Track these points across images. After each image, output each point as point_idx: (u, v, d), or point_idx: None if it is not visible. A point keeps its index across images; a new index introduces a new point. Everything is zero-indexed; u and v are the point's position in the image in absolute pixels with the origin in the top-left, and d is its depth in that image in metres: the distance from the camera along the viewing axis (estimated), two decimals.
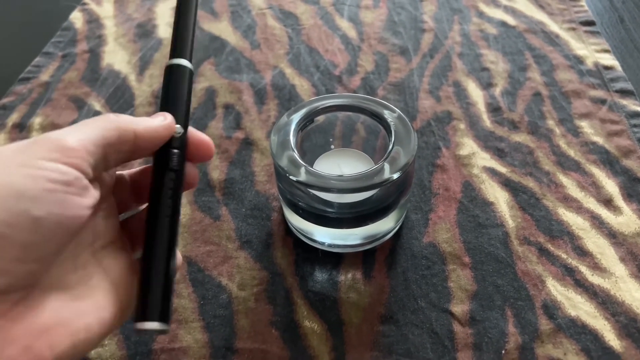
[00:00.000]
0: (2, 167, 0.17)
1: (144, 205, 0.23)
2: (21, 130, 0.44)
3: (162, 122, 0.22)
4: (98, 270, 0.21)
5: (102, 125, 0.20)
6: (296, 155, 0.30)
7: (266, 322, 0.30)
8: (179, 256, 0.24)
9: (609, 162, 0.38)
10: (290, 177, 0.29)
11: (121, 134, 0.20)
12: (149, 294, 0.20)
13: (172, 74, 0.24)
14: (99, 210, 0.21)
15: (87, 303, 0.19)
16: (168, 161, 0.23)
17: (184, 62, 0.25)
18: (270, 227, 0.35)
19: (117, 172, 0.24)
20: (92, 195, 0.19)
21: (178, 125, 0.23)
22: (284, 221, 0.35)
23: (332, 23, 0.55)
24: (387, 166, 0.29)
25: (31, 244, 0.17)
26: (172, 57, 0.25)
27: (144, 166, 0.25)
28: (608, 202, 0.35)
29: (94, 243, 0.21)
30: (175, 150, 0.23)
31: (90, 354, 0.29)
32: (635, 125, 0.40)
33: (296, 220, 0.33)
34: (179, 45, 0.25)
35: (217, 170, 0.39)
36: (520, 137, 0.40)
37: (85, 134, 0.19)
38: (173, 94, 0.24)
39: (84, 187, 0.19)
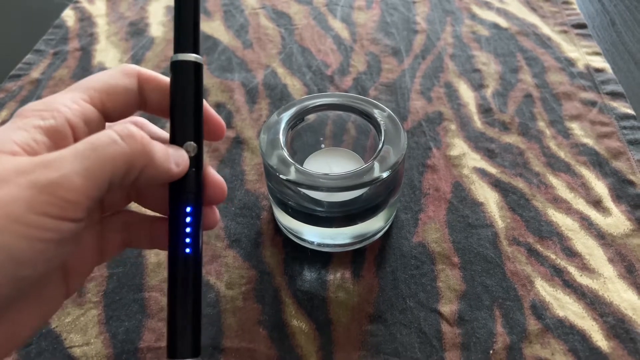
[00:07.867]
0: None
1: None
2: None
3: (175, 169, 0.20)
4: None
5: (115, 154, 0.17)
6: (285, 154, 0.30)
7: (254, 321, 0.30)
8: (216, 214, 0.23)
9: (599, 163, 0.38)
10: (280, 175, 0.29)
11: (130, 168, 0.18)
12: (178, 330, 0.20)
13: (178, 72, 0.21)
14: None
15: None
16: (184, 184, 0.21)
17: (191, 56, 0.21)
18: (259, 226, 0.35)
19: None
20: (81, 238, 0.19)
21: (191, 142, 0.21)
22: (273, 220, 0.35)
23: (325, 23, 0.55)
24: (376, 165, 0.29)
25: (6, 296, 0.16)
26: (176, 51, 0.21)
27: None
28: (597, 204, 0.36)
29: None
30: (192, 169, 0.21)
31: (75, 353, 0.29)
32: (625, 127, 0.41)
33: (285, 220, 0.33)
34: (182, 36, 0.21)
35: None
36: (511, 138, 0.41)
37: (93, 173, 0.17)
38: (181, 100, 0.21)
39: (76, 237, 0.18)
